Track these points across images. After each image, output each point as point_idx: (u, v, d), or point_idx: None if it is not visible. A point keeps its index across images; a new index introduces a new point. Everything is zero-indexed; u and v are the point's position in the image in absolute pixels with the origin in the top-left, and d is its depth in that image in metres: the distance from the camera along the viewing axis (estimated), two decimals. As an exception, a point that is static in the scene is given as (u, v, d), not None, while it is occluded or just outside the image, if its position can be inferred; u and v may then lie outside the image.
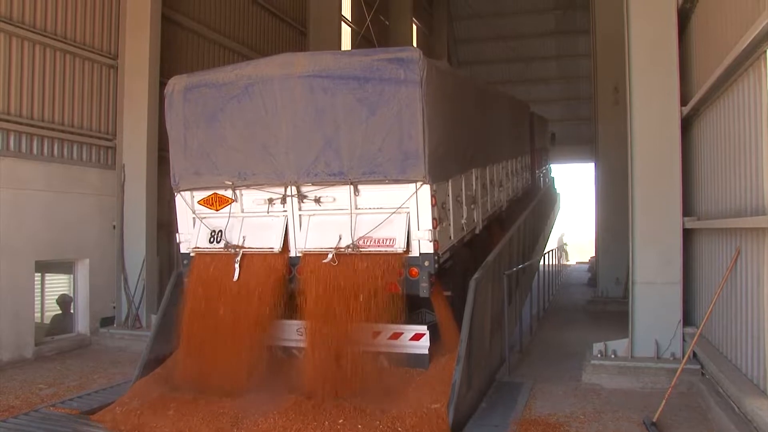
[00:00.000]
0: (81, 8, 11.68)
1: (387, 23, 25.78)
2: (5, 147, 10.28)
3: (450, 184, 7.91)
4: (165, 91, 8.07)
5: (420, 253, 7.11)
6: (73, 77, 11.56)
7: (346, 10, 22.07)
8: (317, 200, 7.33)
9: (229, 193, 7.71)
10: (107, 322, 11.96)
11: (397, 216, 7.10)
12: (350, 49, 21.30)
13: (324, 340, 7.08)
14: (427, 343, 7.59)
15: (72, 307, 11.80)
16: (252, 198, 7.64)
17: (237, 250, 7.53)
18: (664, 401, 6.86)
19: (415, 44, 26.24)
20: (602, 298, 16.00)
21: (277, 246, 7.44)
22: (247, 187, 7.62)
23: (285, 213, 7.50)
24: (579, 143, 27.61)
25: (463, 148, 8.71)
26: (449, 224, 7.79)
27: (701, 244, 8.79)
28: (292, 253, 7.50)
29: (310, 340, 7.23)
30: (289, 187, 7.39)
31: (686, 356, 7.84)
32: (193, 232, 7.94)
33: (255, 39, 16.64)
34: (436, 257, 7.13)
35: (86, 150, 11.88)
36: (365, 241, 7.11)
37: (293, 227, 7.48)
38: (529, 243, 13.72)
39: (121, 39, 12.33)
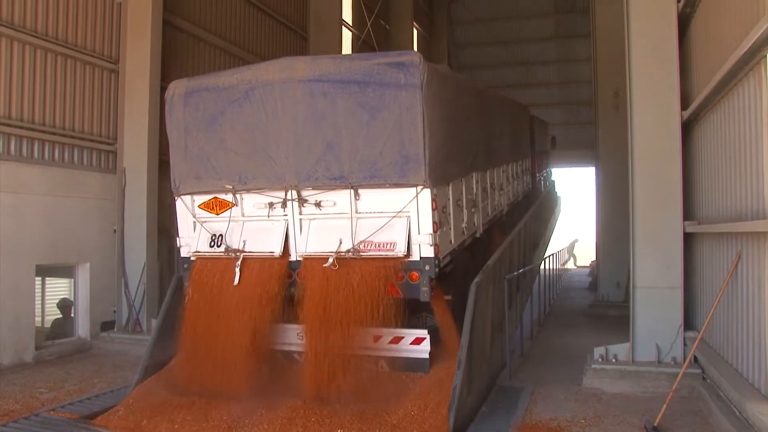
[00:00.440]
0: (82, 13, 11.71)
1: (387, 27, 25.83)
2: (6, 151, 10.29)
3: (451, 188, 7.91)
4: (165, 95, 8.08)
5: (420, 257, 7.10)
6: (74, 81, 11.58)
7: (347, 15, 22.11)
8: (318, 204, 7.33)
9: (229, 197, 7.71)
10: (108, 326, 11.96)
11: (397, 220, 7.09)
12: (351, 53, 21.34)
13: (324, 344, 7.07)
14: (428, 348, 7.57)
15: (72, 311, 11.80)
16: (252, 202, 7.64)
17: (237, 254, 7.53)
18: (665, 405, 6.84)
19: (415, 48, 26.28)
20: (603, 302, 15.99)
21: (277, 250, 7.44)
22: (248, 191, 7.62)
23: (285, 217, 7.50)
24: (579, 147, 27.62)
25: (464, 152, 8.71)
26: (450, 228, 7.79)
27: (702, 248, 8.78)
28: (293, 258, 7.50)
29: (310, 345, 7.22)
30: (290, 191, 7.39)
31: (687, 360, 7.83)
32: (193, 236, 7.94)
33: (256, 43, 16.67)
34: (436, 261, 7.13)
35: (87, 154, 11.89)
36: (366, 245, 7.10)
37: (294, 231, 7.48)
38: (530, 246, 13.72)
39: (122, 43, 12.35)
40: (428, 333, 7.63)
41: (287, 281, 7.48)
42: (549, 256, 16.72)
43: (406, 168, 6.99)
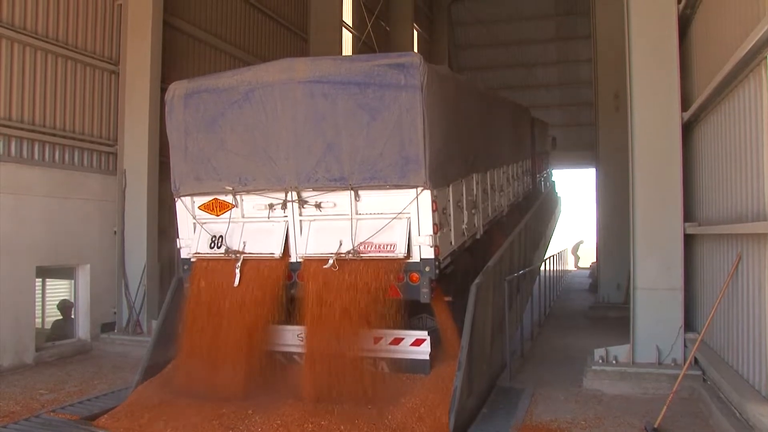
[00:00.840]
0: (82, 14, 11.72)
1: (388, 29, 25.84)
2: (7, 152, 10.30)
3: (451, 189, 7.91)
4: (165, 96, 8.08)
5: (421, 259, 7.10)
6: (74, 83, 11.59)
7: (347, 16, 22.12)
8: (318, 205, 7.33)
9: (229, 199, 7.71)
10: (108, 327, 11.96)
11: (397, 221, 7.09)
12: (351, 54, 21.34)
13: (325, 345, 7.07)
14: (428, 349, 7.57)
15: (73, 312, 11.79)
16: (252, 203, 7.64)
17: (238, 255, 7.53)
18: (665, 407, 6.84)
19: (415, 50, 26.29)
20: (603, 304, 15.98)
21: (277, 251, 7.44)
22: (248, 192, 7.63)
23: (285, 218, 7.50)
24: (580, 149, 27.61)
25: (464, 153, 8.71)
26: (450, 229, 7.79)
27: (702, 249, 8.78)
28: (293, 259, 7.50)
29: (310, 346, 7.22)
30: (290, 192, 7.39)
31: (688, 362, 7.83)
32: (193, 238, 7.94)
33: (256, 45, 16.68)
34: (436, 263, 7.12)
35: (87, 155, 11.90)
36: (366, 246, 7.10)
37: (294, 233, 7.48)
38: (530, 247, 13.71)
39: (122, 45, 12.37)
40: (428, 334, 7.63)
41: (287, 282, 7.48)
42: (550, 258, 16.71)
43: (406, 169, 6.99)
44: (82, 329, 11.68)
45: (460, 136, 8.47)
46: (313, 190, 7.32)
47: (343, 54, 20.76)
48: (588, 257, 29.03)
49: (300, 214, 7.43)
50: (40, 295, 11.22)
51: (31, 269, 10.55)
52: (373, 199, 7.19)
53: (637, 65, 8.86)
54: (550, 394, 8.29)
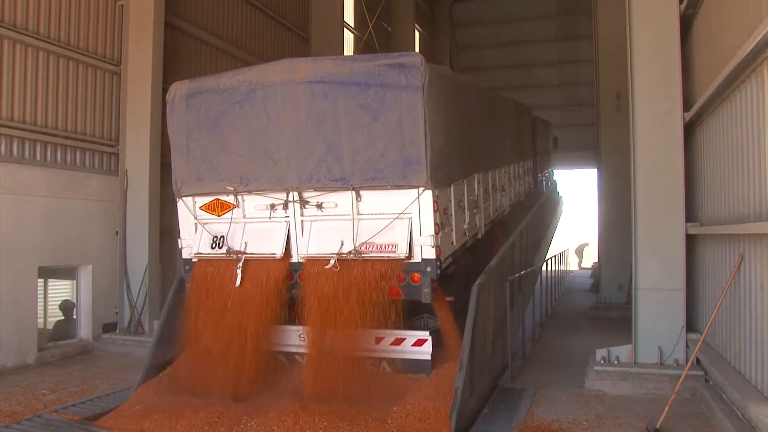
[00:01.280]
0: (84, 15, 11.73)
1: (389, 29, 25.84)
2: (8, 153, 10.31)
3: (452, 189, 7.91)
4: (167, 97, 8.08)
5: (422, 259, 7.10)
6: (75, 84, 11.60)
7: (349, 17, 22.11)
8: (319, 206, 7.33)
9: (231, 199, 7.72)
10: (110, 327, 11.97)
11: (399, 222, 7.09)
12: (352, 55, 21.34)
13: (326, 345, 7.07)
14: (430, 349, 7.57)
15: (75, 312, 11.80)
16: (254, 203, 7.65)
17: (239, 255, 7.53)
18: (667, 408, 6.83)
19: (417, 50, 26.27)
20: (605, 304, 15.98)
21: (279, 252, 7.44)
22: (249, 192, 7.63)
23: (287, 219, 7.50)
24: (581, 149, 27.59)
25: (466, 153, 8.70)
26: (451, 229, 7.79)
27: (704, 250, 8.77)
28: (294, 259, 7.50)
29: (312, 346, 7.23)
30: (291, 192, 7.40)
31: (689, 362, 7.82)
32: (195, 238, 7.94)
33: (257, 45, 16.68)
34: (438, 263, 7.12)
35: (89, 156, 11.91)
36: (367, 246, 7.10)
37: (295, 233, 7.48)
38: (532, 247, 13.70)
39: (124, 45, 12.37)
40: (430, 334, 7.63)
41: (289, 283, 7.48)
42: (551, 258, 16.70)
43: (407, 169, 6.99)
44: (84, 329, 11.69)
45: (462, 136, 8.47)
46: (315, 190, 7.32)
47: (345, 54, 20.76)
48: (591, 258, 29.05)
49: (301, 215, 7.43)
50: (42, 296, 11.22)
51: (33, 270, 10.56)
52: (374, 200, 7.18)
53: (639, 65, 8.85)
54: (552, 394, 8.28)
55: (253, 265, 7.53)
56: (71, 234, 11.28)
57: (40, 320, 11.09)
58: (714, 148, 8.15)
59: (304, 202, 7.37)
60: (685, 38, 9.03)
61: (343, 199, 7.25)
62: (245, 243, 7.60)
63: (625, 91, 9.26)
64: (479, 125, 9.89)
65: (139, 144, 12.21)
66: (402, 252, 7.02)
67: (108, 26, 12.25)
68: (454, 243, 7.88)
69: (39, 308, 10.94)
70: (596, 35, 17.71)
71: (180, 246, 8.22)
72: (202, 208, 7.92)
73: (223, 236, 7.70)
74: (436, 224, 7.09)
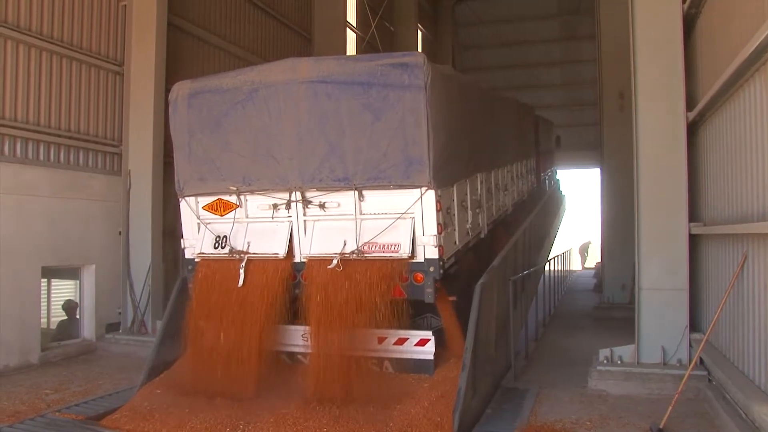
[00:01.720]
0: (87, 16, 11.76)
1: (392, 29, 25.84)
2: (12, 153, 10.34)
3: (455, 188, 7.90)
4: (169, 97, 8.09)
5: (425, 259, 7.09)
6: (79, 84, 11.63)
7: (351, 17, 22.11)
8: (322, 206, 7.33)
9: (233, 199, 7.72)
10: (113, 327, 11.99)
11: (401, 221, 7.08)
12: (355, 54, 21.34)
13: (329, 345, 7.07)
14: (433, 349, 7.56)
15: (78, 312, 11.83)
16: (256, 203, 7.65)
17: (242, 255, 7.53)
18: (670, 407, 6.82)
19: (419, 50, 26.27)
20: (608, 304, 15.93)
21: (281, 251, 7.44)
22: (252, 192, 7.63)
23: (290, 218, 7.50)
24: (584, 149, 27.58)
25: (468, 153, 8.70)
26: (454, 229, 7.78)
27: (708, 249, 8.75)
28: (297, 259, 7.50)
29: (315, 346, 7.22)
30: (294, 192, 7.39)
31: (693, 362, 7.79)
32: (197, 238, 7.95)
33: (260, 45, 16.70)
34: (441, 263, 7.11)
35: (92, 156, 11.93)
36: (370, 246, 7.10)
37: (298, 233, 7.48)
38: (535, 246, 13.69)
39: (127, 46, 12.39)
40: (433, 334, 7.62)
41: (291, 282, 7.48)
42: (554, 257, 16.69)
43: (410, 169, 6.98)
44: (87, 329, 11.72)
45: (464, 136, 8.46)
46: (317, 190, 7.31)
47: (347, 54, 20.76)
48: (594, 258, 29.03)
49: (304, 214, 7.42)
50: (46, 296, 11.26)
51: (36, 270, 10.59)
52: (377, 199, 7.18)
53: (642, 65, 8.83)
54: (555, 394, 8.27)
55: (256, 265, 7.53)
56: (74, 234, 11.31)
57: (44, 320, 11.13)
58: (717, 148, 8.13)
59: (306, 202, 7.36)
60: (688, 37, 9.00)
61: (345, 198, 7.24)
62: (248, 243, 7.60)
63: (627, 91, 9.26)
64: (482, 125, 9.89)
65: (142, 144, 12.23)
66: (405, 252, 7.01)
67: (111, 26, 12.28)
68: (457, 243, 7.88)
69: (42, 308, 10.98)
70: (599, 35, 17.67)
71: (183, 246, 8.22)
72: (205, 208, 7.93)
73: (225, 236, 7.70)
74: (438, 224, 7.08)
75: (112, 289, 12.02)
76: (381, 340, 7.49)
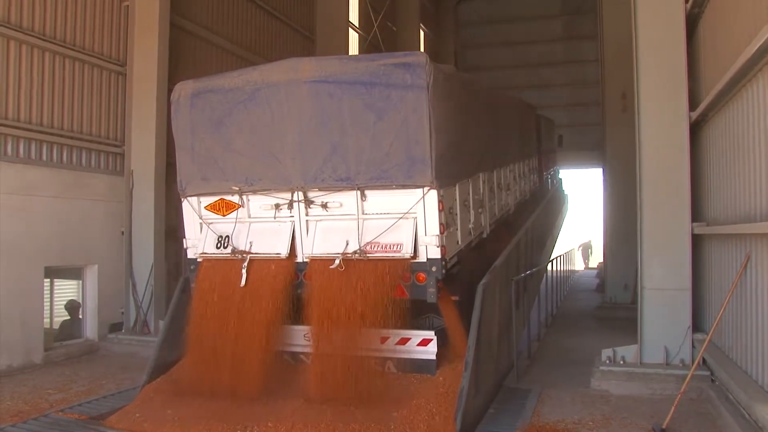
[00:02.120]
0: (90, 16, 11.78)
1: (394, 29, 25.83)
2: (15, 153, 10.36)
3: (457, 188, 7.90)
4: (171, 96, 8.09)
5: (427, 259, 7.08)
6: (81, 84, 11.65)
7: (354, 16, 22.13)
8: (324, 206, 7.32)
9: (236, 199, 7.72)
10: (116, 327, 12.01)
11: (404, 221, 7.08)
12: (357, 54, 21.35)
13: (331, 345, 7.07)
14: (435, 349, 7.56)
15: (81, 312, 11.85)
16: (259, 203, 7.65)
17: (244, 255, 7.53)
18: (673, 408, 6.81)
19: (422, 50, 26.26)
20: (610, 304, 15.93)
21: (284, 251, 7.44)
22: (254, 192, 7.62)
23: (292, 218, 7.49)
24: (587, 149, 27.53)
25: (471, 152, 8.69)
26: (456, 229, 7.78)
27: (710, 249, 8.74)
28: (299, 259, 7.49)
29: (317, 346, 7.22)
30: (296, 192, 7.39)
31: (696, 362, 7.79)
32: (200, 238, 7.95)
33: (262, 45, 16.71)
34: (443, 262, 7.10)
35: (95, 156, 11.95)
36: (372, 246, 7.09)
37: (300, 233, 7.48)
38: (537, 246, 13.68)
39: (129, 46, 12.41)
40: (435, 334, 7.62)
41: (294, 282, 7.47)
42: (557, 257, 16.67)
43: (412, 169, 6.97)
44: (90, 329, 11.74)
45: (467, 136, 8.46)
46: (320, 190, 7.31)
47: (350, 54, 20.76)
48: (597, 258, 29.01)
49: (306, 214, 7.42)
50: (49, 296, 11.26)
51: (39, 270, 10.61)
52: (379, 199, 7.17)
53: (645, 64, 8.82)
54: (558, 394, 8.27)
55: (258, 264, 7.53)
56: (77, 234, 11.32)
57: (46, 320, 11.13)
58: (720, 148, 8.12)
59: (309, 202, 7.36)
60: (690, 37, 8.99)
61: (348, 198, 7.23)
62: (250, 243, 7.60)
63: (630, 91, 9.24)
64: (484, 124, 9.88)
65: (144, 144, 12.25)
66: (407, 252, 7.00)
67: (113, 27, 12.30)
68: (460, 242, 7.87)
69: (45, 308, 10.99)
70: (601, 35, 17.68)
71: (185, 246, 8.23)
72: (207, 207, 7.93)
73: (228, 236, 7.70)
74: (441, 224, 7.07)
75: (114, 289, 12.04)
76: (383, 340, 7.48)
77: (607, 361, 8.69)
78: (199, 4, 14.25)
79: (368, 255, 7.07)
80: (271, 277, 7.44)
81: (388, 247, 7.07)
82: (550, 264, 14.72)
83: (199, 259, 7.93)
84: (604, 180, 17.48)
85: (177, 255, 12.36)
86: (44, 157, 10.89)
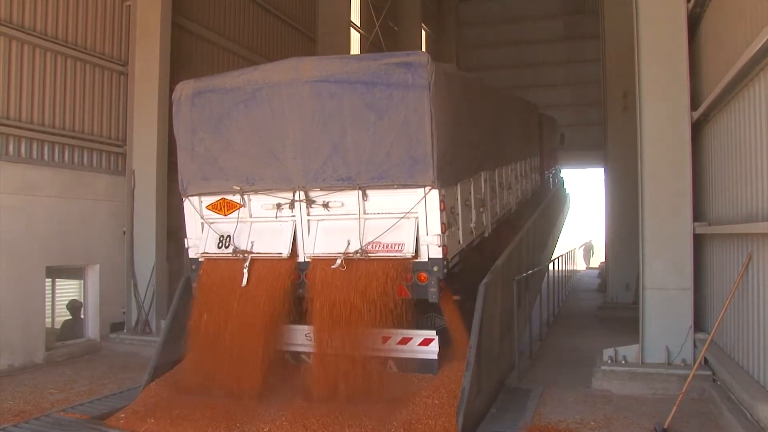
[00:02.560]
0: (92, 16, 11.78)
1: (396, 29, 25.82)
2: (17, 153, 10.37)
3: (459, 188, 7.89)
4: (172, 96, 8.09)
5: (429, 258, 7.08)
6: (83, 84, 11.65)
7: (355, 16, 22.13)
8: (325, 205, 7.32)
9: (237, 198, 7.72)
10: (117, 327, 12.01)
11: (405, 221, 7.08)
12: (359, 54, 21.34)
13: (333, 345, 7.07)
14: (437, 348, 7.56)
15: (82, 312, 11.86)
16: (260, 203, 7.65)
17: (245, 255, 7.54)
18: (675, 407, 6.80)
19: (423, 49, 26.25)
20: (612, 304, 15.92)
21: (285, 251, 7.44)
22: (255, 192, 7.63)
23: (293, 218, 7.49)
24: (589, 148, 27.52)
25: (472, 152, 8.69)
26: (458, 228, 7.77)
27: (712, 249, 8.73)
28: (301, 259, 7.50)
29: (318, 345, 7.22)
30: (297, 192, 7.39)
31: (697, 362, 7.78)
32: (201, 238, 7.95)
33: (264, 45, 16.71)
34: (444, 262, 7.10)
35: (96, 156, 11.96)
36: (374, 246, 7.09)
37: (301, 232, 7.48)
38: (539, 245, 13.67)
39: (131, 45, 12.41)
40: (437, 334, 7.62)
41: (295, 282, 7.47)
42: (559, 257, 16.66)
43: (413, 169, 6.97)
44: (92, 329, 11.74)
45: (468, 135, 8.45)
46: (321, 189, 7.31)
47: (351, 54, 20.76)
48: (599, 259, 29.00)
49: (308, 214, 7.42)
50: (50, 295, 11.28)
51: (41, 269, 10.61)
52: (380, 199, 7.17)
53: (646, 64, 8.80)
54: (559, 394, 8.26)
55: (260, 264, 7.53)
56: (79, 234, 11.33)
57: (48, 320, 11.16)
58: (722, 147, 8.10)
59: (310, 202, 7.36)
60: (692, 36, 8.98)
61: (349, 198, 7.23)
62: (252, 242, 7.61)
63: (632, 91, 9.22)
64: (486, 123, 9.87)
65: (146, 144, 12.26)
66: (409, 251, 7.00)
67: (115, 26, 12.30)
68: (461, 242, 7.87)
69: (47, 308, 11.00)
70: (603, 34, 17.65)
71: (186, 245, 8.23)
72: (209, 207, 7.93)
73: (229, 236, 7.71)
74: (442, 223, 7.07)
75: (116, 289, 12.04)
76: (385, 339, 7.49)
77: (609, 361, 8.68)
78: (201, 4, 14.26)
79: (370, 255, 7.07)
80: (272, 277, 7.44)
81: (389, 246, 7.07)
82: (551, 264, 14.70)
83: (200, 259, 7.93)
84: (606, 179, 17.47)
85: (179, 255, 12.35)
86: (46, 157, 10.90)
